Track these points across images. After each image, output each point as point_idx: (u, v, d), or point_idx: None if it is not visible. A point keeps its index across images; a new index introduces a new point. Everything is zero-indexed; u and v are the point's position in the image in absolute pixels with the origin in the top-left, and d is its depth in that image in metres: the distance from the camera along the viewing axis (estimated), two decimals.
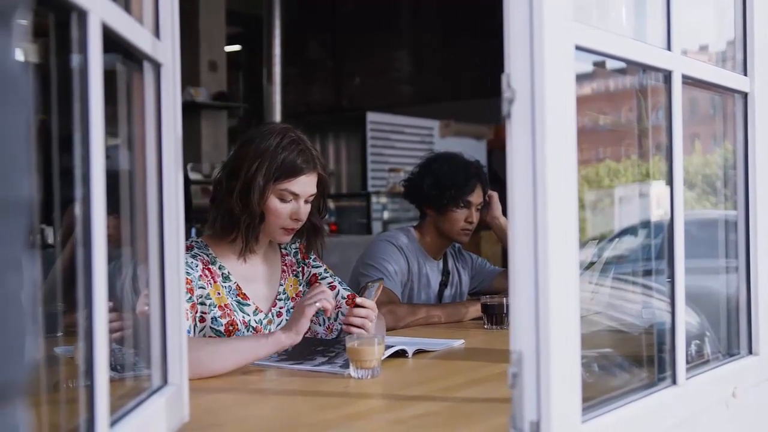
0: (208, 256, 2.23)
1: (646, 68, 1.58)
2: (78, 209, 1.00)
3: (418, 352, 2.20)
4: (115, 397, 1.13)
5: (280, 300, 2.35)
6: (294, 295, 2.38)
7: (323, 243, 2.40)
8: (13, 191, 0.58)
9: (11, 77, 0.59)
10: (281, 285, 2.36)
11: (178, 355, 1.40)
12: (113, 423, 1.09)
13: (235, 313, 2.20)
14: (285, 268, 2.39)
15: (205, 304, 2.15)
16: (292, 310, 2.32)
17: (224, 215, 2.21)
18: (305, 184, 2.22)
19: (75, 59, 1.01)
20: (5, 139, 0.57)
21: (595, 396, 1.36)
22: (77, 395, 1.11)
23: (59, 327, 1.38)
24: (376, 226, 7.19)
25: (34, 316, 0.61)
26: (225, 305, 2.19)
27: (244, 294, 2.25)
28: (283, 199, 2.20)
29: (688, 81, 1.60)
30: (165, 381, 1.38)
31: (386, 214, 7.44)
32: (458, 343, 2.37)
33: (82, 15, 0.99)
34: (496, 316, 2.66)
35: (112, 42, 1.11)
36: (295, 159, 2.18)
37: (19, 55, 0.62)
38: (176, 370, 1.39)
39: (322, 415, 1.59)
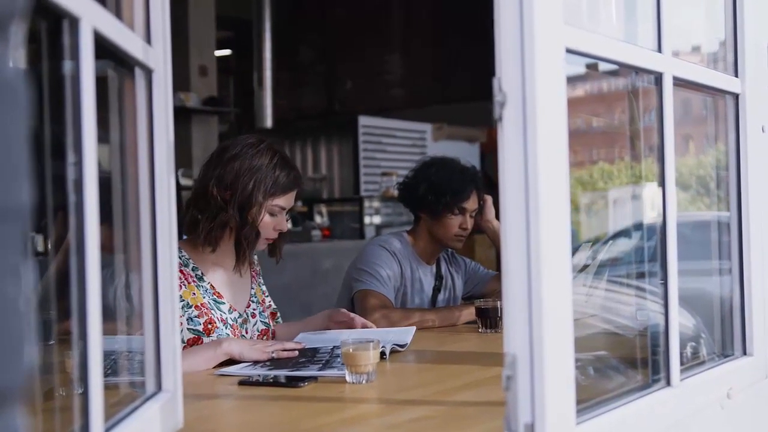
0: (180, 258, 2.27)
1: (636, 70, 1.59)
2: (71, 216, 1.00)
3: (394, 351, 2.23)
4: (108, 404, 1.12)
5: (253, 302, 2.45)
6: (260, 301, 2.49)
7: (283, 245, 2.48)
8: (13, 198, 0.59)
9: (10, 85, 0.59)
10: (252, 289, 2.47)
11: (171, 361, 1.39)
12: (107, 430, 1.09)
13: (212, 311, 2.28)
14: (254, 274, 2.51)
15: (179, 307, 2.18)
16: (263, 314, 2.46)
17: (218, 227, 2.27)
18: (292, 199, 2.37)
19: (66, 65, 1.01)
20: (5, 147, 0.57)
21: (590, 398, 1.36)
22: (69, 403, 1.11)
23: (52, 335, 1.37)
24: (369, 231, 7.17)
25: (32, 322, 0.61)
26: (201, 305, 2.27)
27: (219, 293, 2.33)
28: (272, 214, 2.32)
29: (679, 83, 1.60)
30: (159, 387, 1.37)
31: (379, 219, 7.42)
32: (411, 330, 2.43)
33: (74, 22, 0.99)
34: (490, 319, 2.66)
35: (103, 48, 1.10)
36: (288, 177, 2.32)
37: (16, 63, 0.62)
38: (170, 376, 1.39)
39: (318, 420, 1.59)
